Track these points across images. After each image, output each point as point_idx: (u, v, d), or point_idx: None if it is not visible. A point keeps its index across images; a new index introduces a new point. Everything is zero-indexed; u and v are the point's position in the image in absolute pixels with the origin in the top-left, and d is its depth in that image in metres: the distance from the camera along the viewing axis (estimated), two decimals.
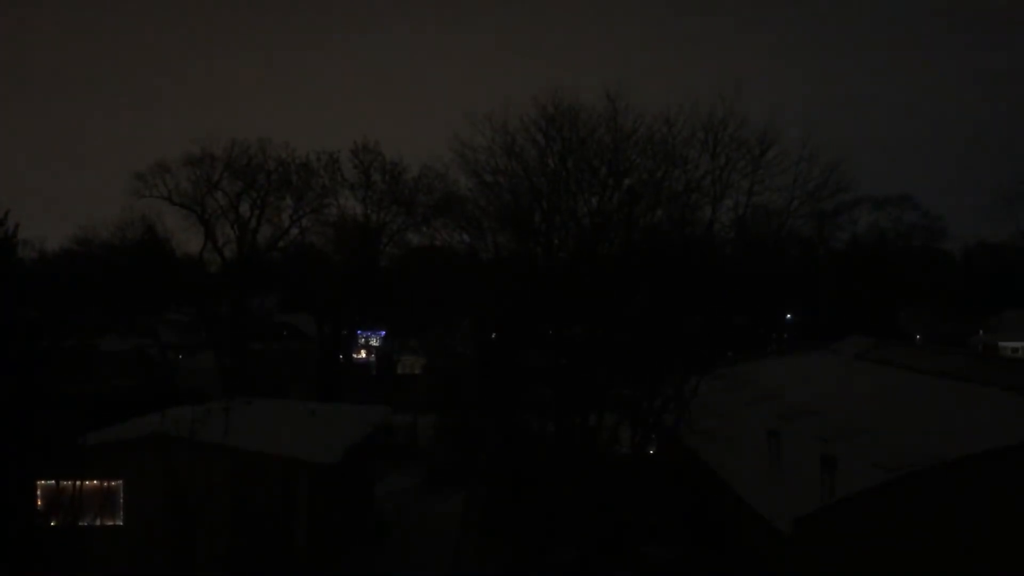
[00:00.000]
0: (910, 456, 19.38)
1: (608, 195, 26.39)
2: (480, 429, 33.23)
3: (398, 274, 57.14)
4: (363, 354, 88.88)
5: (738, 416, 30.15)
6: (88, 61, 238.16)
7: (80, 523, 20.74)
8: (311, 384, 56.57)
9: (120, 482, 22.68)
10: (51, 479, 20.96)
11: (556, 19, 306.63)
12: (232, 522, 22.44)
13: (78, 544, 21.19)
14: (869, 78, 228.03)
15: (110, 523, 22.40)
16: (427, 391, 49.07)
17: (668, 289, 25.61)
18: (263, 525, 22.96)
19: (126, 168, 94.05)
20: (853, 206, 73.25)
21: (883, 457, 20.14)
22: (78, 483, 19.80)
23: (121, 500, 22.67)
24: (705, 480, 26.98)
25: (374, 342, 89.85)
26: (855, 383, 31.65)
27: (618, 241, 27.42)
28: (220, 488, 21.10)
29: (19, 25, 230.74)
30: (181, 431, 18.97)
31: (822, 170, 25.45)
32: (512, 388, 27.82)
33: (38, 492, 21.99)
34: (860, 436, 22.93)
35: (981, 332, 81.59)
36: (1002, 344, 76.80)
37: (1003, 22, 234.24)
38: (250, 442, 23.13)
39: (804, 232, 66.23)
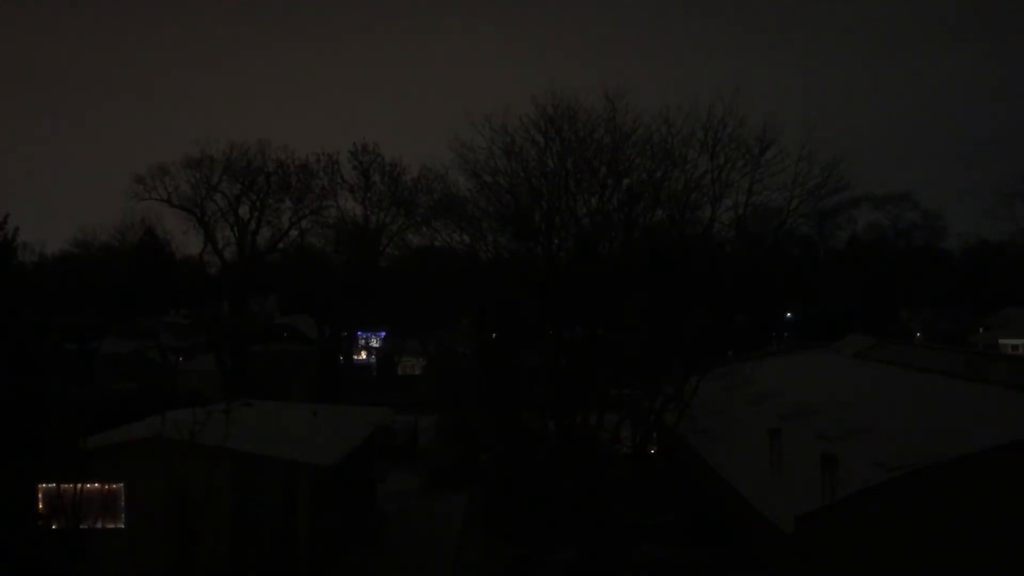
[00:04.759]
0: (911, 455, 19.38)
1: (608, 195, 26.39)
2: (481, 430, 33.23)
3: (398, 275, 57.18)
4: (363, 355, 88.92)
5: (739, 415, 30.17)
6: (88, 62, 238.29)
7: (81, 526, 20.74)
8: (311, 386, 56.56)
9: (121, 485, 22.66)
10: (52, 482, 20.97)
11: (556, 19, 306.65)
12: (233, 524, 22.45)
13: (79, 547, 21.21)
14: (869, 77, 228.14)
15: (111, 526, 22.38)
16: (428, 392, 49.09)
17: (668, 289, 25.60)
18: (264, 527, 22.97)
19: (126, 170, 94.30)
20: (853, 205, 73.52)
21: (884, 456, 20.14)
22: (79, 486, 19.80)
23: (122, 503, 22.65)
24: (706, 479, 26.99)
25: (374, 343, 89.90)
26: (855, 382, 31.66)
27: (618, 241, 27.41)
28: (221, 491, 21.10)
29: (19, 26, 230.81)
30: (182, 434, 18.94)
31: (822, 169, 25.38)
32: (512, 388, 27.82)
33: (39, 495, 22.03)
34: (861, 435, 22.94)
35: (981, 330, 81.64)
36: (1002, 342, 76.84)
37: (1003, 21, 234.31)
38: (251, 444, 23.13)
39: (804, 231, 66.53)
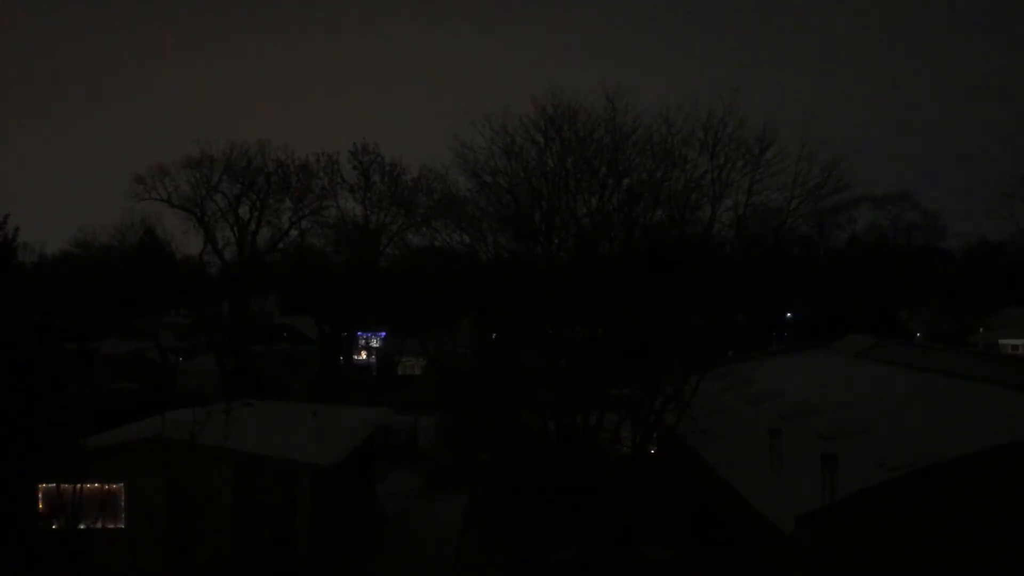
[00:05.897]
0: (911, 455, 19.37)
1: (608, 195, 26.41)
2: (481, 430, 33.25)
3: (398, 275, 57.25)
4: (363, 355, 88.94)
5: (739, 415, 30.15)
6: (88, 62, 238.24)
7: (81, 526, 20.74)
8: (311, 386, 56.57)
9: (121, 485, 22.67)
10: (52, 482, 20.96)
11: (556, 20, 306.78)
12: (233, 524, 22.46)
13: (79, 547, 21.20)
14: (869, 77, 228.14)
15: (111, 526, 22.39)
16: (428, 392, 49.12)
17: (668, 289, 25.61)
18: (264, 527, 22.97)
19: (126, 170, 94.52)
20: (853, 205, 73.38)
21: (884, 456, 20.13)
22: (79, 486, 19.80)
23: (122, 503, 22.66)
24: (706, 479, 26.98)
25: (374, 343, 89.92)
26: (856, 382, 31.63)
27: (618, 241, 27.42)
28: (221, 491, 21.10)
29: (19, 26, 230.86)
30: (181, 434, 18.94)
31: (822, 169, 25.42)
32: (512, 388, 27.84)
33: (39, 495, 22.02)
34: (861, 435, 22.93)
35: (981, 330, 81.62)
36: (1002, 342, 76.83)
37: (1004, 20, 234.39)
38: (251, 445, 23.13)
39: (804, 231, 66.42)
